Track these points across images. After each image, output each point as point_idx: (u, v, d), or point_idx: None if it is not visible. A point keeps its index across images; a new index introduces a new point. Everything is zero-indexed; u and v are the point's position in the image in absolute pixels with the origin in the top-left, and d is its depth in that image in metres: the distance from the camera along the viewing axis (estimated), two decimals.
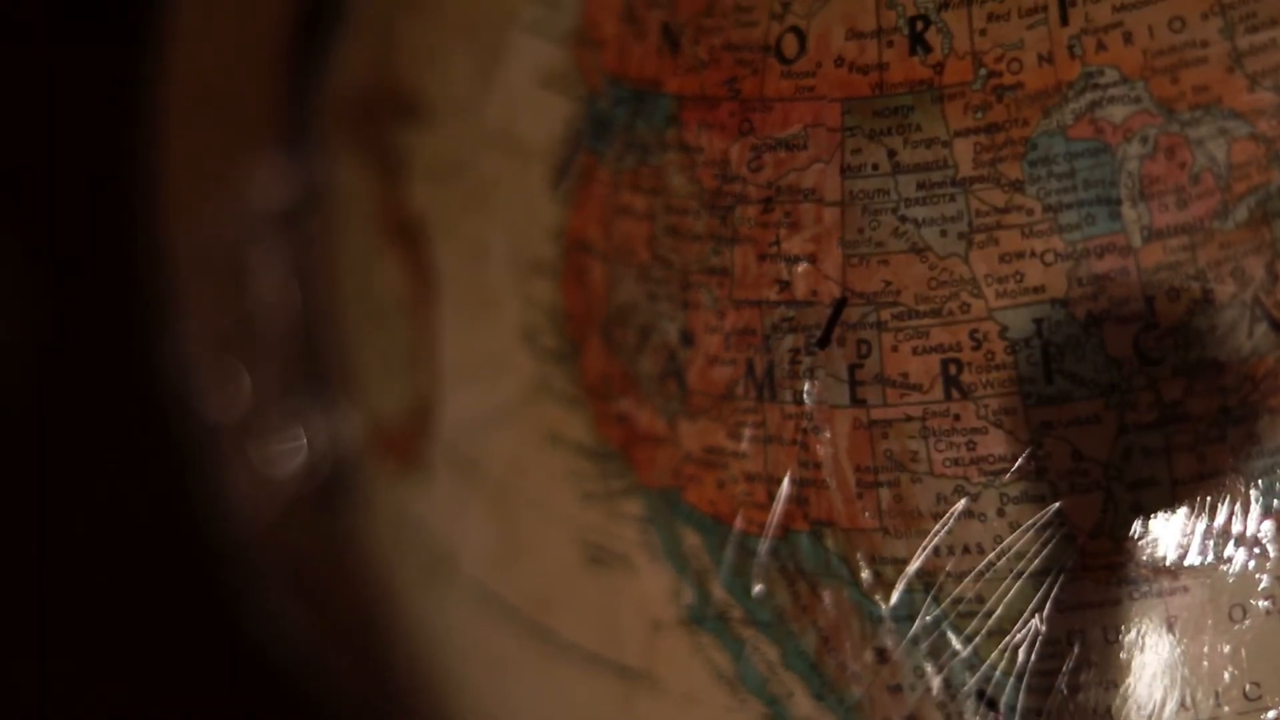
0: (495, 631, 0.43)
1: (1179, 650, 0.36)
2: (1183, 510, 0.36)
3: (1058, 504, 0.36)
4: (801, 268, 0.37)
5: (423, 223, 0.43)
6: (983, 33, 0.36)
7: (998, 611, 0.37)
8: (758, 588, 0.38)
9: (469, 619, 0.44)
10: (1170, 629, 0.36)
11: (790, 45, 0.37)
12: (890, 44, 0.37)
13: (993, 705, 0.37)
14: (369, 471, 0.46)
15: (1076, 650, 0.36)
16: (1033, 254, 0.36)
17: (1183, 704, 0.36)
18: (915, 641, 0.37)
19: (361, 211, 0.44)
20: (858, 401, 0.37)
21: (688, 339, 0.38)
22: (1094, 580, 0.36)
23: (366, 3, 0.45)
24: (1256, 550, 0.36)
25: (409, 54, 0.43)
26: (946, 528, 0.36)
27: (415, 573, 0.45)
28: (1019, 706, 0.37)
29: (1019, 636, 0.37)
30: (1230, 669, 0.36)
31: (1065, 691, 0.37)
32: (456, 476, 0.43)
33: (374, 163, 0.44)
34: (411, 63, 0.43)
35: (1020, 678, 0.37)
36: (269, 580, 0.48)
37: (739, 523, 0.38)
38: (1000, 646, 0.37)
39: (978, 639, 0.37)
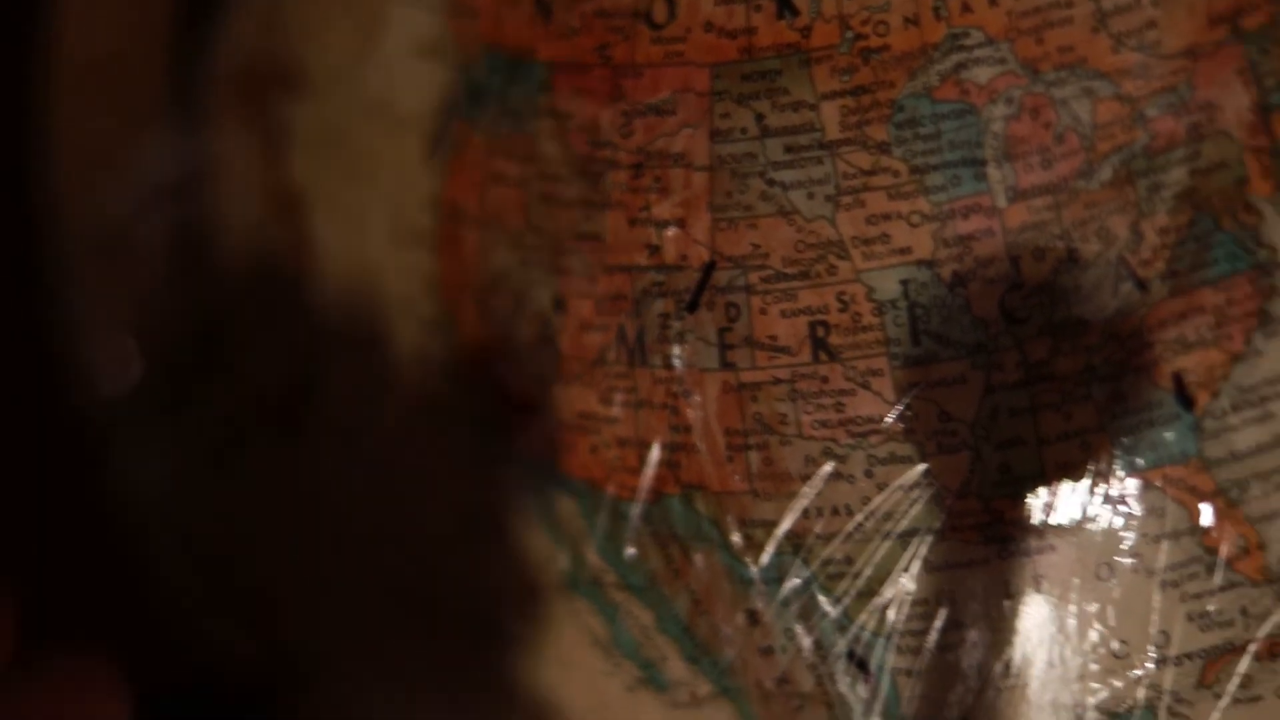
0: (377, 598, 0.41)
1: (1047, 609, 0.35)
2: (1049, 469, 0.34)
3: (925, 465, 0.34)
4: (671, 232, 0.35)
5: (303, 194, 0.41)
6: None
7: (866, 572, 0.35)
8: (630, 551, 0.36)
9: (353, 585, 0.42)
10: (1038, 588, 0.34)
11: (660, 11, 0.35)
12: (758, 8, 0.35)
13: (863, 666, 0.35)
14: (255, 441, 0.44)
15: (945, 610, 0.35)
16: (899, 216, 0.34)
17: (1051, 662, 0.35)
18: (786, 603, 0.35)
19: (247, 185, 0.42)
20: (727, 365, 0.35)
21: (560, 305, 0.36)
22: (962, 540, 0.35)
23: None
24: (1122, 509, 0.34)
25: (292, 27, 0.41)
26: (815, 490, 0.35)
27: (300, 540, 0.43)
28: (888, 666, 0.35)
29: (888, 597, 0.35)
30: (1098, 627, 0.34)
31: (934, 651, 0.35)
32: (338, 446, 0.41)
33: (259, 136, 0.42)
34: (294, 36, 0.41)
35: (889, 638, 0.35)
36: (166, 550, 0.46)
37: (611, 488, 0.36)
38: (869, 607, 0.35)
39: (847, 600, 0.35)
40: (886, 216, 0.34)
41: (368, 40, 0.39)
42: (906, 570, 0.35)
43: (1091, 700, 0.35)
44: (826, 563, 0.35)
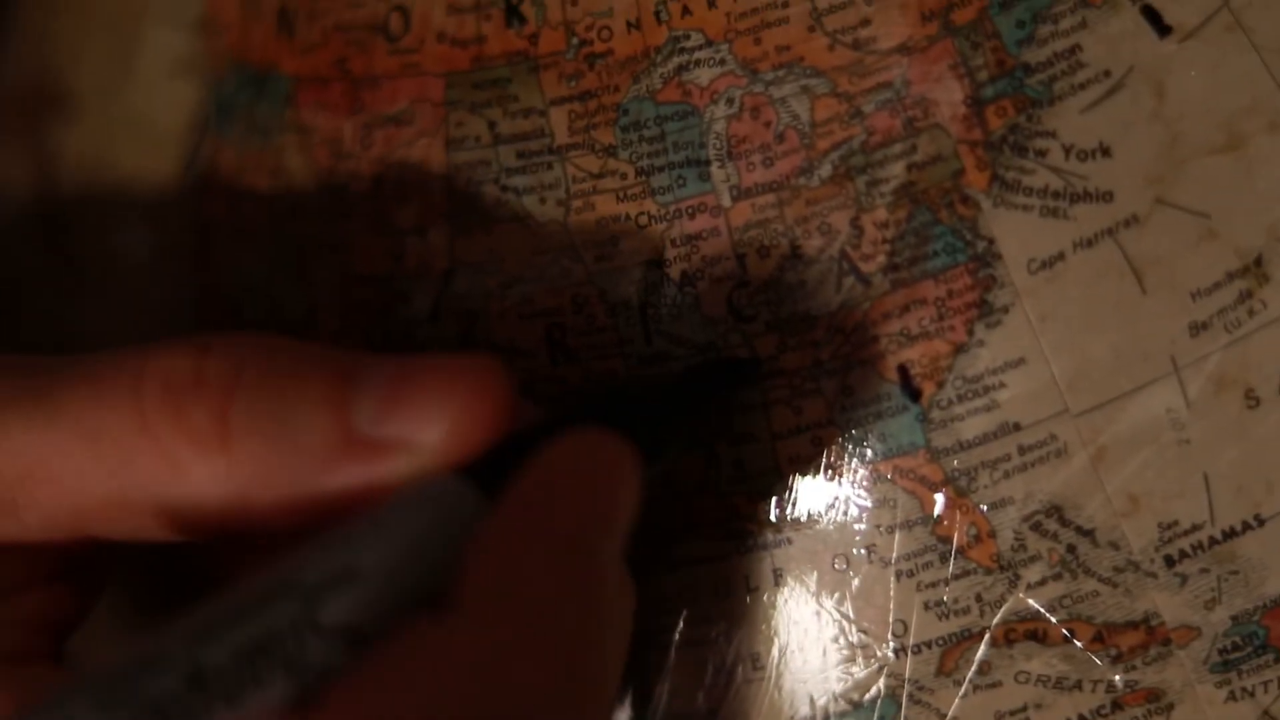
0: None
1: (788, 601, 0.34)
2: (783, 464, 0.34)
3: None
4: (412, 241, 0.35)
5: (71, 214, 0.40)
6: (574, 2, 0.34)
7: None
8: None
9: None
10: (778, 581, 0.34)
11: (396, 23, 0.35)
12: (488, 18, 0.34)
13: None
14: None
15: (688, 607, 0.34)
16: (628, 217, 0.34)
17: (795, 653, 0.34)
18: None
19: (21, 207, 0.42)
20: None
21: (310, 315, 0.36)
22: (702, 537, 0.34)
23: (28, 7, 0.43)
24: (855, 501, 0.34)
25: (61, 52, 0.41)
26: None
27: None
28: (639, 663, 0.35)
29: None
30: (838, 617, 0.34)
31: (680, 647, 0.34)
32: None
33: (32, 159, 0.41)
34: (63, 60, 0.41)
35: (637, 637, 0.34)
36: None
37: None
38: None
39: None
40: (616, 219, 0.34)
41: (127, 61, 0.39)
42: (649, 568, 0.34)
43: (836, 689, 0.34)
44: None
